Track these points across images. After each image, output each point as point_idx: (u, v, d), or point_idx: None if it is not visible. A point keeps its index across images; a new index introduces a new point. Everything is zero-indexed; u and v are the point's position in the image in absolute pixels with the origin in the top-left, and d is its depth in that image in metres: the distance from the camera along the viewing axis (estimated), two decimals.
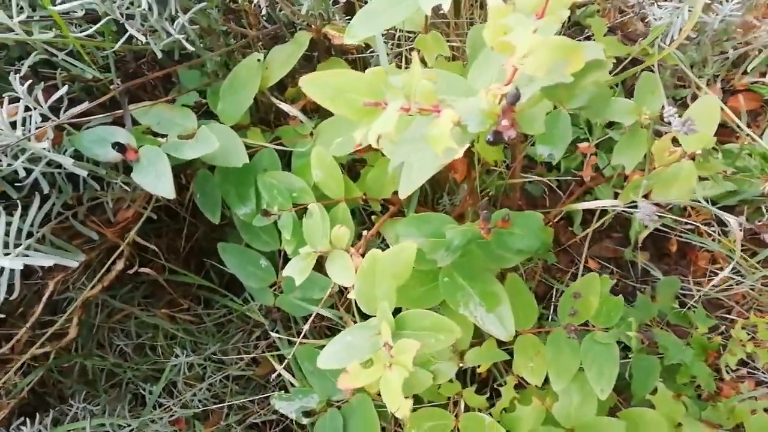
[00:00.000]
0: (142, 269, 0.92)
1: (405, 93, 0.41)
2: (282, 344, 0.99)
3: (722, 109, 1.10)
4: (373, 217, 0.94)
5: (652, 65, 0.91)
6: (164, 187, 0.64)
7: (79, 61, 0.72)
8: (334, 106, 0.44)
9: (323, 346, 0.70)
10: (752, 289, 1.32)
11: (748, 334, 1.14)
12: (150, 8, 0.66)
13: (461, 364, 0.91)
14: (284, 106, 0.78)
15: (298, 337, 0.94)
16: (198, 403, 1.06)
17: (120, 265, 0.94)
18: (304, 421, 0.90)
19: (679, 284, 1.36)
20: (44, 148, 0.63)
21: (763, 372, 1.16)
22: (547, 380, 0.92)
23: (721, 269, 1.41)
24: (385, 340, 0.54)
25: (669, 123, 0.69)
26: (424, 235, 0.74)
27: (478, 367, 0.96)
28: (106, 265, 0.94)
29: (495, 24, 0.39)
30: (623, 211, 1.01)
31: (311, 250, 0.65)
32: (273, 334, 0.95)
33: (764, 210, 1.45)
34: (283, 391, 0.92)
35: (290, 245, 0.74)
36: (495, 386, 0.99)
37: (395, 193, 0.84)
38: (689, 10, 0.98)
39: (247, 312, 1.10)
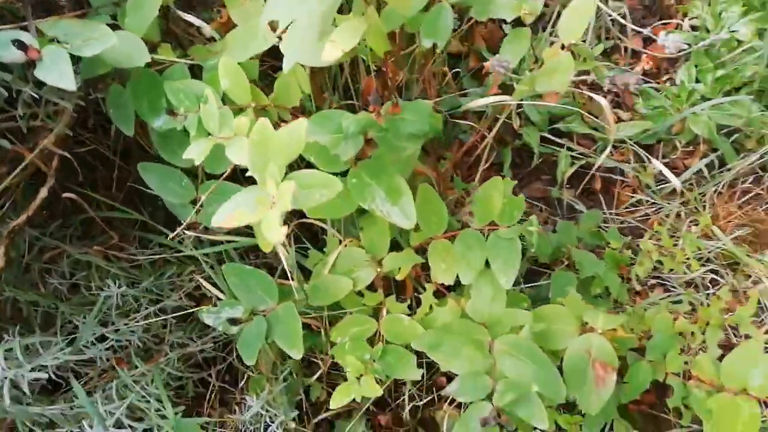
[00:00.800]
0: (67, 194, 0.95)
1: None
2: (206, 265, 1.03)
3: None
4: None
5: None
6: (66, 81, 0.67)
7: None
8: None
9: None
10: (667, 216, 1.42)
11: (655, 244, 1.22)
12: None
13: (379, 270, 0.96)
14: (190, 18, 0.82)
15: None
16: (137, 339, 1.09)
17: (44, 192, 0.96)
18: (232, 330, 0.93)
19: (600, 215, 1.44)
20: None
21: (669, 280, 1.25)
22: (461, 285, 0.99)
23: (641, 202, 1.51)
24: (271, 194, 0.58)
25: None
26: (329, 132, 0.79)
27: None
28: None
29: None
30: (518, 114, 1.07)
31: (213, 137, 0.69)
32: (195, 253, 0.99)
33: (678, 145, 1.55)
34: (210, 306, 0.96)
35: (195, 140, 0.79)
36: (416, 295, 1.04)
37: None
38: None
39: (181, 248, 1.14)
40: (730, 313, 1.11)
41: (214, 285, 1.09)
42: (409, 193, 0.80)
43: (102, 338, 1.07)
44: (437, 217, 0.95)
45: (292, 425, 1.18)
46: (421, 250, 0.98)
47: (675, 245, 1.26)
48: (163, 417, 1.08)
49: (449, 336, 0.89)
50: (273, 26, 0.64)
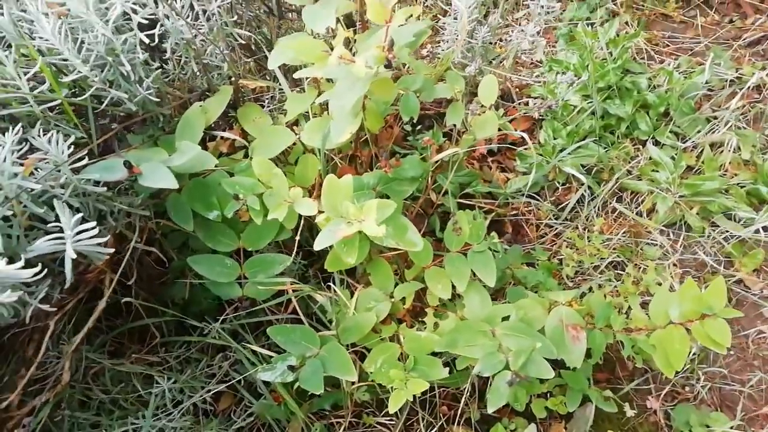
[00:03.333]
0: (128, 299, 1.11)
1: (337, 51, 0.78)
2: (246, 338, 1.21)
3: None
4: None
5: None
6: (168, 181, 0.89)
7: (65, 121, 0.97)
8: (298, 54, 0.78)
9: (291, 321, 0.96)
10: (569, 237, 1.82)
11: (571, 249, 1.60)
12: (127, 75, 0.95)
13: (392, 300, 1.21)
14: (225, 134, 1.09)
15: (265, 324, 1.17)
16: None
17: (102, 304, 1.11)
18: (289, 378, 1.12)
19: (520, 248, 1.81)
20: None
21: (590, 274, 1.62)
22: (454, 297, 1.27)
23: (545, 234, 1.91)
24: (354, 216, 0.84)
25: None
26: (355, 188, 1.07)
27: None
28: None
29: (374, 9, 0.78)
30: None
31: (282, 200, 0.94)
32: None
33: (557, 185, 1.99)
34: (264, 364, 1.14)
35: (258, 215, 1.02)
36: (419, 321, 1.29)
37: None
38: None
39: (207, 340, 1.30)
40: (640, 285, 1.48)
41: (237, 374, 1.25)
42: (413, 227, 1.09)
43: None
44: (426, 252, 1.24)
45: None
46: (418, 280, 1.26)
47: (586, 245, 1.65)
48: None
49: (462, 333, 1.15)
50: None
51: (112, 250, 0.88)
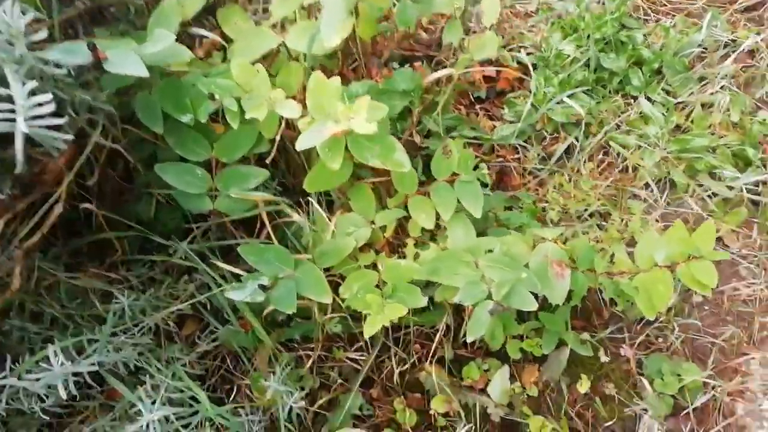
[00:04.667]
0: (87, 205, 1.02)
1: None
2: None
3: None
4: None
5: None
6: (138, 69, 0.80)
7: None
8: None
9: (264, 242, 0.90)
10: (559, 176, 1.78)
11: (560, 193, 1.56)
12: None
13: (373, 226, 1.16)
14: (203, 32, 0.99)
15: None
16: (145, 347, 1.14)
17: (59, 209, 1.03)
18: (260, 298, 1.06)
19: (504, 194, 1.76)
20: None
21: (574, 219, 1.59)
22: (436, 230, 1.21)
23: (527, 184, 1.87)
24: (342, 116, 0.77)
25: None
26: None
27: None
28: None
29: None
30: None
31: (262, 100, 0.87)
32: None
33: (546, 134, 1.94)
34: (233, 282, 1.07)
35: (234, 117, 0.95)
36: (399, 253, 1.24)
37: None
38: None
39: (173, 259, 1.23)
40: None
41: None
42: (401, 147, 1.03)
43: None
44: (411, 180, 1.18)
45: (303, 403, 1.28)
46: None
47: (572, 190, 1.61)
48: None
49: (444, 262, 1.10)
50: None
51: (70, 137, 0.79)
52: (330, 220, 1.16)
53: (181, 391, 1.11)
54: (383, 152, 1.00)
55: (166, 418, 1.10)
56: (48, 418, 1.04)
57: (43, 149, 0.89)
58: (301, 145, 0.82)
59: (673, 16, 2.30)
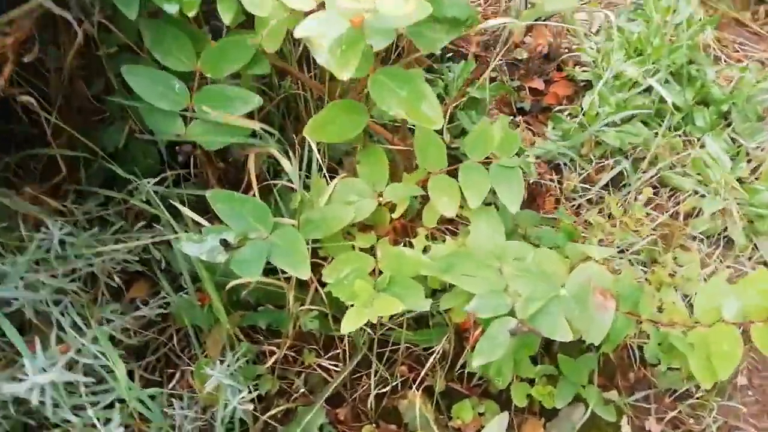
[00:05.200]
0: (27, 98, 0.80)
1: None
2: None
3: None
4: None
5: None
6: None
7: None
8: None
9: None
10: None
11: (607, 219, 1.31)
12: None
13: (380, 200, 0.92)
14: None
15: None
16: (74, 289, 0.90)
17: None
18: (219, 258, 0.81)
19: (534, 214, 1.52)
20: None
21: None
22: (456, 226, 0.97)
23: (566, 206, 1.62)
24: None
25: None
26: None
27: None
28: None
29: None
30: None
31: None
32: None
33: (592, 158, 1.71)
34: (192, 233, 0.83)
35: (229, 9, 0.72)
36: (407, 241, 0.99)
37: None
38: None
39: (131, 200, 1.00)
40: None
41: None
42: (434, 97, 0.79)
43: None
44: (437, 152, 0.94)
45: (251, 406, 1.03)
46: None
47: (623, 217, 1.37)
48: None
49: (461, 261, 0.86)
50: None
51: None
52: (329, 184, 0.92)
53: (102, 359, 0.86)
54: (410, 100, 0.77)
55: (69, 387, 0.85)
56: None
57: None
58: (300, 31, 0.59)
59: (746, 64, 2.08)
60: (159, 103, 0.82)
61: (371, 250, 0.94)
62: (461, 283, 0.82)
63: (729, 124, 1.82)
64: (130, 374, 1.10)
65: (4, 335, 0.85)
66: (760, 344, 0.89)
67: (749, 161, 1.76)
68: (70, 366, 0.82)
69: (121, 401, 0.90)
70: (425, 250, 0.95)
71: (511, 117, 1.88)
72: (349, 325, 0.80)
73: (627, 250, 1.37)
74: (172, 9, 0.76)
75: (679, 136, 1.79)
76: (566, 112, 1.87)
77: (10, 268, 0.82)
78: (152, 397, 1.04)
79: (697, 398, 1.31)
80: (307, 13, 0.63)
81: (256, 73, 0.85)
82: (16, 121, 1.02)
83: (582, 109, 1.79)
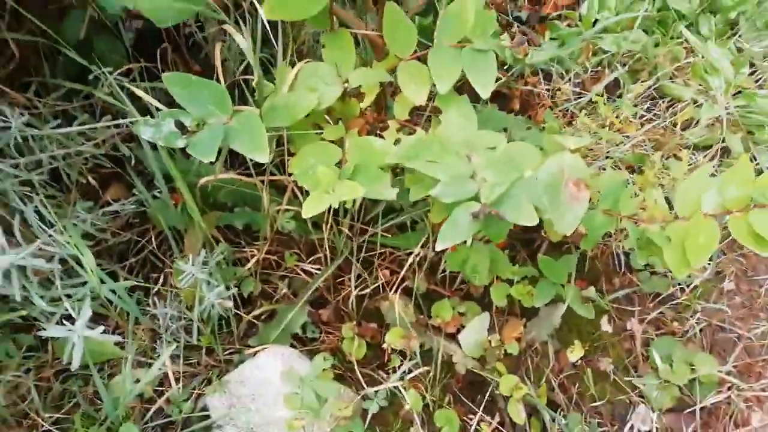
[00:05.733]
0: None
1: None
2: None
3: None
4: None
5: None
6: None
7: None
8: None
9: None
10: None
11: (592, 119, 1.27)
12: None
13: (346, 85, 0.88)
14: None
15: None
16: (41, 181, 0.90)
17: None
18: (178, 144, 0.80)
19: (525, 119, 1.48)
20: None
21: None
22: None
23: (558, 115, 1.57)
24: None
25: None
26: None
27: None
28: None
29: None
30: None
31: None
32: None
33: (587, 65, 1.64)
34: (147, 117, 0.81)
35: None
36: (378, 134, 0.96)
37: None
38: None
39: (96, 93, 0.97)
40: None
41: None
42: None
43: None
44: (406, 36, 0.90)
45: (230, 304, 1.04)
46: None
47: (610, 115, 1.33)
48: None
49: (426, 148, 0.83)
50: None
51: None
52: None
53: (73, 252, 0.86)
54: None
55: (45, 283, 0.86)
56: None
57: None
58: None
59: None
60: None
61: (341, 143, 0.91)
62: (425, 169, 0.80)
63: (736, 33, 1.74)
64: (113, 275, 1.12)
65: None
66: (736, 233, 0.86)
67: (753, 72, 1.68)
68: (47, 259, 0.82)
69: (95, 295, 0.90)
70: (397, 141, 0.92)
71: (507, 26, 1.81)
72: (309, 209, 0.78)
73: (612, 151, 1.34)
74: None
75: (682, 44, 1.71)
76: (566, 22, 1.80)
77: None
78: (131, 293, 1.06)
79: (681, 301, 1.30)
80: None
81: None
82: None
83: (580, 17, 1.71)
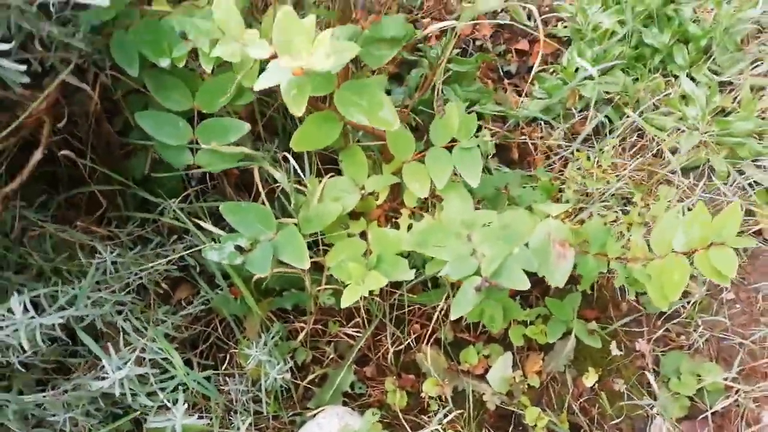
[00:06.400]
0: (65, 152, 1.00)
1: None
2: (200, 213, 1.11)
3: None
4: None
5: None
6: None
7: None
8: None
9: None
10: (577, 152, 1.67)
11: (578, 170, 1.45)
12: None
13: (363, 192, 1.09)
14: None
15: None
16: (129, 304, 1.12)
17: (38, 154, 1.01)
18: (237, 260, 1.01)
19: (522, 173, 1.66)
20: None
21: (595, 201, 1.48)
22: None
23: (553, 162, 1.76)
24: (302, 62, 0.71)
25: None
26: None
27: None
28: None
29: None
30: None
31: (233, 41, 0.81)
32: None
33: (574, 111, 1.82)
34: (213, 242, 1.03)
35: (209, 62, 0.90)
36: (394, 223, 1.17)
37: None
38: None
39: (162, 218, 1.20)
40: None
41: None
42: (389, 103, 0.95)
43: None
44: (406, 144, 1.10)
45: (288, 375, 1.24)
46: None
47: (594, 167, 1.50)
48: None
49: (433, 234, 1.03)
50: None
51: (23, 68, 0.76)
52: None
53: (162, 353, 1.08)
54: (369, 108, 0.93)
55: (142, 379, 1.08)
56: (28, 371, 1.04)
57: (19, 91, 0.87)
58: (259, 85, 0.76)
59: None
60: (167, 140, 1.02)
61: (363, 235, 1.12)
62: (434, 254, 1.00)
63: (710, 57, 1.90)
64: (189, 362, 1.34)
65: (83, 344, 1.08)
66: (701, 268, 1.03)
67: (731, 91, 1.84)
68: (139, 362, 1.04)
69: (184, 385, 1.11)
70: (410, 227, 1.12)
71: (499, 80, 2.01)
72: (346, 300, 0.99)
73: (603, 198, 1.51)
74: (164, 63, 0.94)
75: (663, 77, 1.88)
76: (553, 69, 1.98)
77: (77, 291, 1.04)
78: (208, 378, 1.27)
79: (684, 317, 1.46)
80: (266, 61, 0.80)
81: (242, 104, 1.02)
82: (59, 166, 1.23)
83: (563, 67, 1.90)
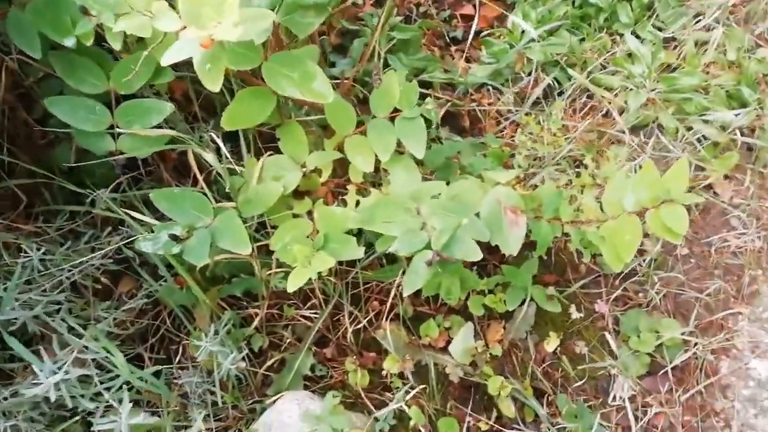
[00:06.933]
0: None
1: None
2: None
3: None
4: None
5: None
6: None
7: None
8: None
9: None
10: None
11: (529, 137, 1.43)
12: None
13: (304, 169, 1.04)
14: None
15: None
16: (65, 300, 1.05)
17: None
18: (174, 250, 0.95)
19: (474, 140, 1.63)
20: None
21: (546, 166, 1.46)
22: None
23: (504, 128, 1.73)
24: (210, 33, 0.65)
25: None
26: None
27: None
28: None
29: None
30: None
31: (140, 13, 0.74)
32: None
33: (523, 75, 1.79)
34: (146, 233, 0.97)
35: (116, 39, 0.82)
36: (342, 200, 1.12)
37: None
38: None
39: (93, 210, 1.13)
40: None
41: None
42: (322, 74, 0.90)
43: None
44: (347, 117, 1.05)
45: (243, 364, 1.19)
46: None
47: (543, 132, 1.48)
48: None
49: (381, 209, 0.99)
50: None
51: None
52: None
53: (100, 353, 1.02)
54: (301, 81, 0.88)
55: (86, 380, 1.01)
56: None
57: None
58: (166, 60, 0.70)
59: None
60: (85, 126, 0.94)
61: (310, 214, 1.07)
62: (382, 230, 0.96)
63: (654, 14, 1.89)
64: (140, 357, 1.28)
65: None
66: (652, 227, 1.02)
67: (675, 46, 1.84)
68: (82, 363, 0.98)
69: (128, 384, 1.06)
70: (357, 203, 1.08)
71: (446, 47, 1.96)
72: (293, 284, 0.94)
73: (554, 161, 1.49)
74: (69, 42, 0.86)
75: (608, 36, 1.86)
76: (499, 33, 1.94)
77: (3, 293, 0.97)
78: (158, 373, 1.21)
79: (641, 275, 1.46)
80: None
81: (163, 82, 0.95)
82: None
83: (509, 30, 1.87)
